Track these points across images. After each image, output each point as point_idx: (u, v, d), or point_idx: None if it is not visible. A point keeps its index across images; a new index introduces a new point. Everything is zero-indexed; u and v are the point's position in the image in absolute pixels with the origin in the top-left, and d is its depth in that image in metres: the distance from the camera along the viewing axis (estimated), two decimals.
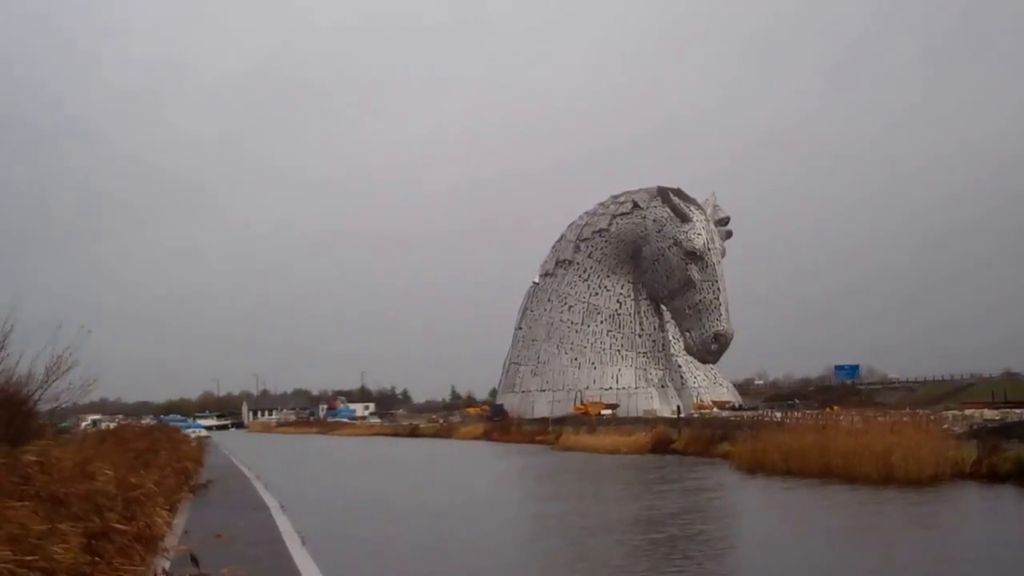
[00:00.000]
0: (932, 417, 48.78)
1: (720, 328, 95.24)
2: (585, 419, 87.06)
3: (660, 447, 63.90)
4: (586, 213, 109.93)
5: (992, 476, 36.07)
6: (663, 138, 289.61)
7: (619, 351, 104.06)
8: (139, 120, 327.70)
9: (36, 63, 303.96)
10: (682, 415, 78.66)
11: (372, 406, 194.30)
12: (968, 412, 61.12)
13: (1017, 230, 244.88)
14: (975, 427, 47.47)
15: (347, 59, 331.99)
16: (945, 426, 45.87)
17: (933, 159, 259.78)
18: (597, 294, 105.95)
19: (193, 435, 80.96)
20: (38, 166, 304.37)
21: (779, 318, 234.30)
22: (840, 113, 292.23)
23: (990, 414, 59.24)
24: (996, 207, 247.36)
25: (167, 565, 14.03)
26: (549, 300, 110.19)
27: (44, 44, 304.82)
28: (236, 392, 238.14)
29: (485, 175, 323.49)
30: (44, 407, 34.59)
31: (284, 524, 23.13)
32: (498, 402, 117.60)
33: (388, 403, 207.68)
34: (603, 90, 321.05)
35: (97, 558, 10.75)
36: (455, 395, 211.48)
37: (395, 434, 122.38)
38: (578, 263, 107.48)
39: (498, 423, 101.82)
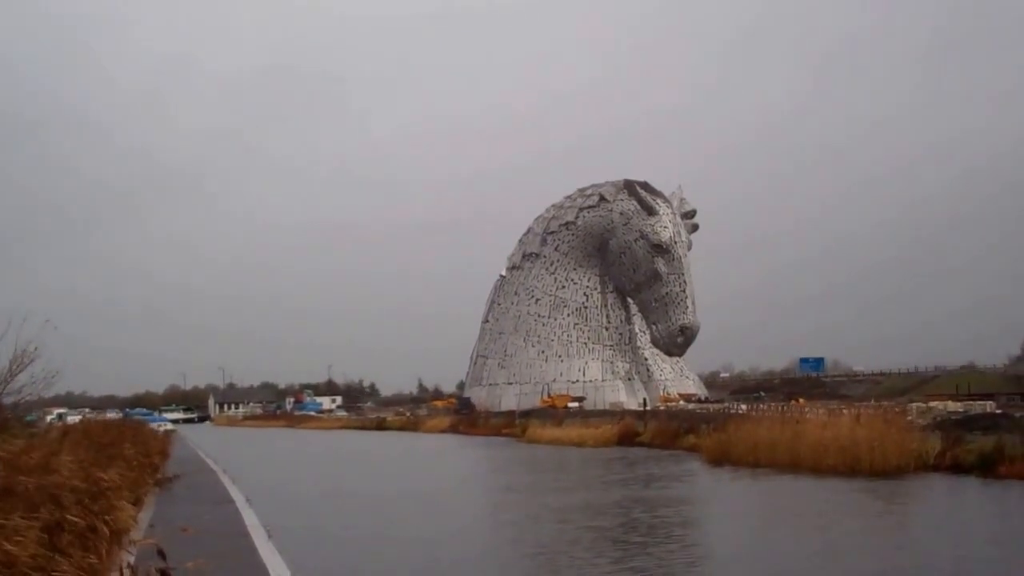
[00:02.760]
0: (897, 409, 49.17)
1: (686, 321, 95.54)
2: (552, 412, 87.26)
3: (626, 440, 64.14)
4: (553, 206, 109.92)
5: (956, 468, 36.50)
6: (643, 134, 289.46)
7: (586, 344, 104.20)
8: (141, 115, 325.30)
9: (40, 59, 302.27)
10: (648, 408, 78.88)
11: (339, 399, 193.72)
12: (932, 404, 61.73)
13: (980, 232, 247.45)
14: (939, 419, 47.99)
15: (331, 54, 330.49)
16: (910, 418, 46.37)
17: (906, 162, 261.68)
18: (564, 287, 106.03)
19: (159, 429, 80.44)
20: (38, 160, 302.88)
21: (745, 311, 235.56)
22: (816, 114, 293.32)
23: (954, 406, 59.94)
24: (965, 210, 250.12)
25: (132, 559, 13.89)
26: (516, 293, 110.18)
27: (48, 39, 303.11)
28: (202, 386, 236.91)
29: (458, 170, 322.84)
30: (7, 400, 34.23)
31: (250, 518, 23.01)
32: (465, 395, 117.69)
33: (355, 396, 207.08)
34: (580, 85, 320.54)
35: (57, 552, 10.62)
36: (422, 388, 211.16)
37: (362, 427, 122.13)
38: (545, 256, 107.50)
39: (465, 416, 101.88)
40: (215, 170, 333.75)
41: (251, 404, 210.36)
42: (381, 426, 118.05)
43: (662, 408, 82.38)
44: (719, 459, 45.91)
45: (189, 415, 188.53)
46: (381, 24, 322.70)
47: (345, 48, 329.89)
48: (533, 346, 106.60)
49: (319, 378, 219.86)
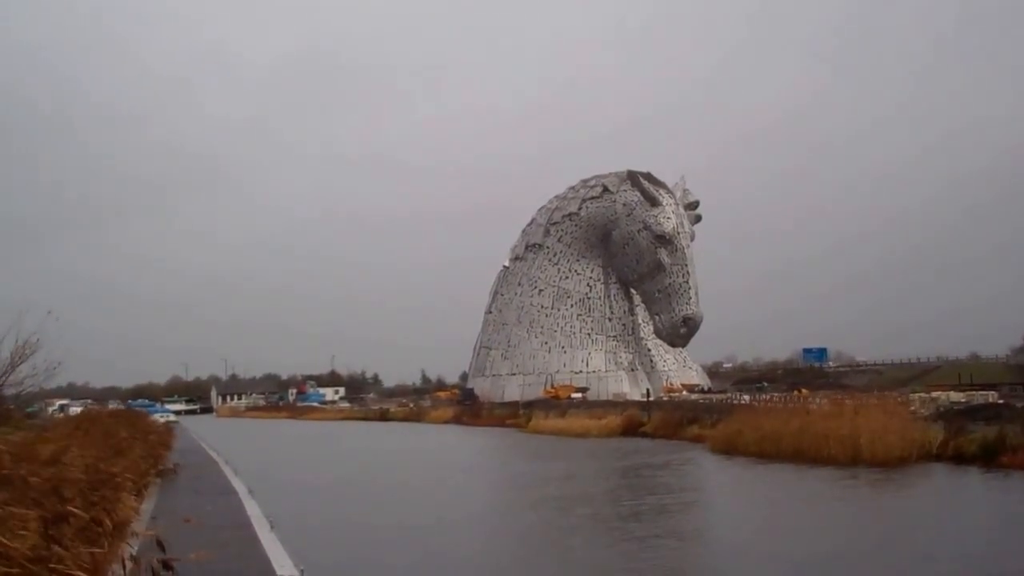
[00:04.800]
0: (899, 400, 49.19)
1: (689, 311, 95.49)
2: (555, 403, 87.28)
3: (630, 430, 64.22)
4: (556, 197, 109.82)
5: (958, 458, 36.53)
6: (654, 126, 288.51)
7: (589, 335, 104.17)
8: (171, 104, 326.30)
9: (71, 49, 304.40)
10: (652, 398, 78.92)
11: (342, 390, 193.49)
12: (935, 395, 61.63)
13: (983, 227, 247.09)
14: (941, 409, 47.97)
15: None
16: (912, 408, 46.37)
17: (912, 159, 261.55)
18: (567, 278, 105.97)
19: (161, 420, 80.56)
20: (65, 149, 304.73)
21: (749, 303, 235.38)
22: (824, 111, 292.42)
23: (956, 397, 59.76)
24: (969, 205, 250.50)
25: (134, 551, 13.89)
26: (519, 284, 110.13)
27: (79, 29, 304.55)
28: (205, 376, 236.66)
29: (461, 162, 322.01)
30: (9, 392, 34.31)
31: (253, 509, 22.99)
32: (468, 386, 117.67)
33: (358, 387, 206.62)
34: (586, 77, 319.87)
35: (57, 545, 10.58)
36: (425, 379, 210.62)
37: (365, 418, 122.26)
38: (548, 247, 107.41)
39: (468, 407, 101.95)
40: (238, 159, 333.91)
41: (254, 395, 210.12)
42: (384, 417, 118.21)
43: (665, 398, 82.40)
44: (722, 449, 46.08)
45: (191, 406, 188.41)
46: (410, 13, 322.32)
47: (373, 39, 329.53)
48: (536, 337, 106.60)
49: (322, 369, 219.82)
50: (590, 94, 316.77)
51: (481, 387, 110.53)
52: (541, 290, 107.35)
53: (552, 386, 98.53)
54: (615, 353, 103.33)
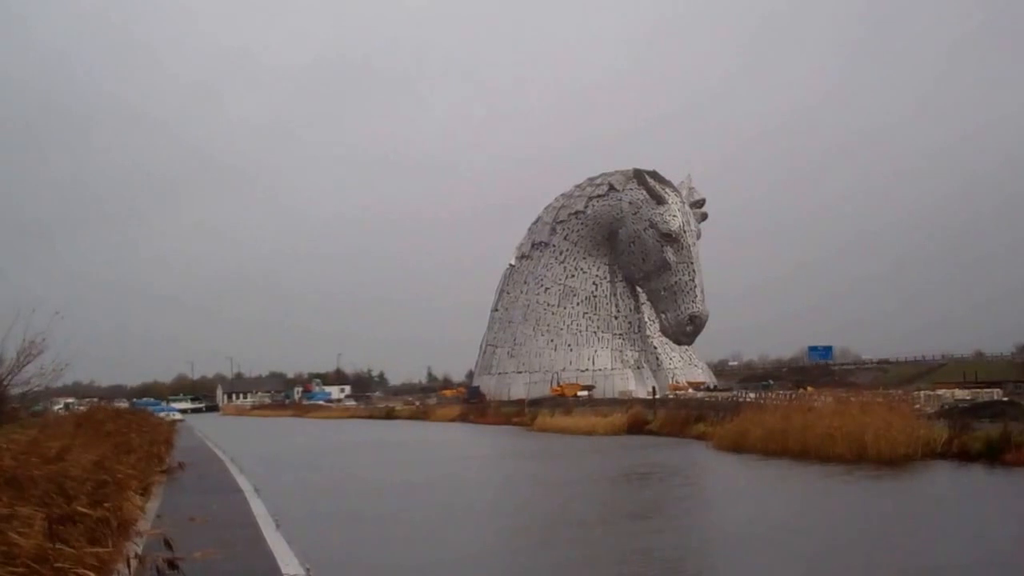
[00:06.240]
0: (904, 397, 49.17)
1: (695, 310, 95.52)
2: (561, 401, 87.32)
3: (636, 428, 64.24)
4: (562, 195, 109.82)
5: (963, 455, 36.50)
6: (664, 125, 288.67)
7: (595, 333, 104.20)
8: (194, 107, 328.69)
9: (95, 54, 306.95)
10: (658, 396, 78.88)
11: (348, 389, 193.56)
12: (940, 392, 61.61)
13: (991, 226, 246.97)
14: (946, 407, 47.95)
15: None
16: (917, 406, 46.36)
17: (919, 159, 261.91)
18: (573, 276, 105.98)
19: (167, 418, 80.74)
20: (89, 151, 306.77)
21: (755, 301, 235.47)
22: (832, 113, 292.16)
23: (961, 394, 59.73)
24: (976, 207, 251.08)
25: (139, 549, 13.97)
26: (526, 282, 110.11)
27: (104, 35, 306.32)
28: (210, 375, 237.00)
29: (466, 163, 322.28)
30: (16, 391, 34.45)
31: (258, 507, 23.08)
32: (475, 384, 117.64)
33: (364, 385, 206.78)
34: (600, 78, 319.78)
35: (61, 543, 10.64)
36: (432, 377, 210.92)
37: (371, 417, 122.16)
38: (554, 245, 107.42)
39: (474, 405, 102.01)
40: (254, 160, 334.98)
41: (259, 394, 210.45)
42: (390, 415, 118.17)
43: (671, 396, 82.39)
44: (728, 446, 46.13)
45: (197, 405, 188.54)
46: (427, 17, 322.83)
47: (392, 42, 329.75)
48: (542, 335, 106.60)
49: (328, 367, 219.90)
50: (600, 95, 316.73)
51: (487, 385, 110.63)
52: (547, 288, 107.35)
53: (558, 384, 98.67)
54: (621, 351, 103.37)
